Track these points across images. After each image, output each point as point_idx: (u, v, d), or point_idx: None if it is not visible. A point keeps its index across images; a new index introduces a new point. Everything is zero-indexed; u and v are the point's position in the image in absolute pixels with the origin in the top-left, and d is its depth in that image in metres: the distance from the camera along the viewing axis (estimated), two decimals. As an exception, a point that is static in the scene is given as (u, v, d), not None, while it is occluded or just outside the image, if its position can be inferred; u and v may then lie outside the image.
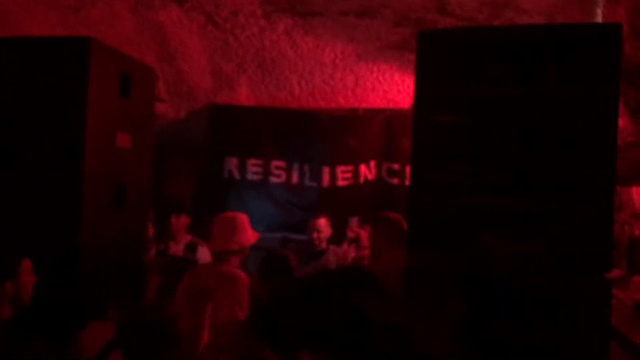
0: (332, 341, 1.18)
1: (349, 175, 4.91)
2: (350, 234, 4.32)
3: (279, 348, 1.21)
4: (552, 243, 2.30)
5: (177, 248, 4.01)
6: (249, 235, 3.28)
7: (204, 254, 3.88)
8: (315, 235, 4.23)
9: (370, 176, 4.93)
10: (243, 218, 3.32)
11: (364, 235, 4.04)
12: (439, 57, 2.42)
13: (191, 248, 4.03)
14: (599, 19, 3.28)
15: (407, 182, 4.66)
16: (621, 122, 3.60)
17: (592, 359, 2.25)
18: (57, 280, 2.58)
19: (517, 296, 2.34)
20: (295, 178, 4.95)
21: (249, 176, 4.98)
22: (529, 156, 2.35)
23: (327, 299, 1.21)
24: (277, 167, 4.97)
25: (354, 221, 4.41)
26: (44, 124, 2.71)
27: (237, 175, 4.98)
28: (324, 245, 4.26)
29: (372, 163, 4.93)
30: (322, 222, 4.29)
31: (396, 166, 4.87)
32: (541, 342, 2.29)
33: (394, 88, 4.76)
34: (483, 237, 2.37)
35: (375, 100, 4.87)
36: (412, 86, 4.63)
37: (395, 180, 4.89)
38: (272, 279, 2.82)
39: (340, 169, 4.90)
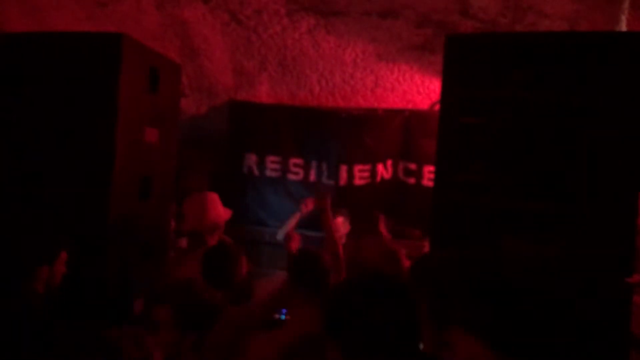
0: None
1: (366, 174, 4.95)
2: None
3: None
4: (574, 246, 2.33)
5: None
6: (221, 212, 3.39)
7: None
8: None
9: (387, 175, 4.98)
10: (213, 196, 3.42)
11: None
12: (466, 60, 2.46)
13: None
14: (622, 24, 3.29)
15: (424, 182, 4.78)
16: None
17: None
18: (85, 268, 2.65)
19: (536, 299, 2.37)
20: (313, 176, 5.01)
21: (268, 173, 5.04)
22: (552, 159, 2.38)
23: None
24: (296, 165, 5.03)
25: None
26: (76, 119, 2.77)
27: (256, 172, 5.05)
28: (342, 241, 4.29)
29: (389, 162, 4.97)
30: (339, 222, 4.33)
31: (413, 166, 4.91)
32: (559, 346, 2.32)
33: (413, 89, 4.79)
34: (504, 238, 2.41)
35: (394, 100, 4.90)
36: (431, 87, 4.71)
37: (412, 180, 4.93)
38: (305, 283, 2.54)
39: (357, 168, 4.95)
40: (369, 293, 1.40)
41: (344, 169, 4.95)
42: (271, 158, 5.04)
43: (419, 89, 4.79)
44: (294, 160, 5.03)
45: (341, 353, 1.36)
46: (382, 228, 3.89)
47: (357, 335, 1.35)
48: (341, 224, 4.33)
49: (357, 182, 4.97)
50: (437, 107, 2.66)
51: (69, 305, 2.53)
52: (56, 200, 2.70)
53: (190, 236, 3.36)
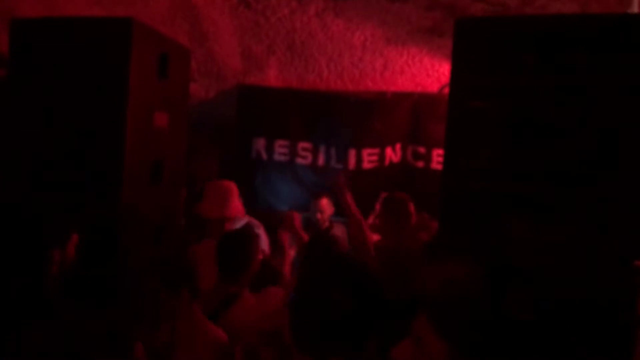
0: None
1: (375, 157, 4.95)
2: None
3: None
4: (581, 230, 2.34)
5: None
6: (240, 205, 3.54)
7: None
8: (319, 215, 4.41)
9: (396, 159, 4.98)
10: (234, 187, 3.52)
11: None
12: (476, 44, 2.45)
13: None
14: (635, 6, 3.26)
15: (433, 166, 4.78)
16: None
17: (618, 347, 2.29)
18: (95, 252, 2.69)
19: (543, 283, 2.38)
20: (321, 160, 5.01)
21: (276, 157, 5.05)
22: (560, 145, 2.38)
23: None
24: (304, 149, 5.03)
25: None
26: (86, 104, 2.79)
27: (264, 156, 5.05)
28: (327, 223, 4.45)
29: (398, 146, 4.96)
30: (324, 202, 4.45)
31: (422, 149, 4.90)
32: (566, 330, 2.34)
33: (422, 72, 4.77)
34: (513, 223, 2.42)
35: (403, 83, 4.89)
36: (441, 71, 4.69)
37: (421, 164, 4.93)
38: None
39: (366, 152, 4.95)
40: (322, 281, 1.33)
41: (352, 153, 4.96)
42: (280, 142, 5.04)
43: (429, 72, 4.77)
44: (302, 145, 5.03)
45: (293, 339, 1.31)
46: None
47: (306, 324, 1.30)
48: (326, 205, 4.41)
49: (366, 165, 4.97)
50: (446, 91, 2.65)
51: (79, 288, 2.56)
52: (67, 185, 2.73)
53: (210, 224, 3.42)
